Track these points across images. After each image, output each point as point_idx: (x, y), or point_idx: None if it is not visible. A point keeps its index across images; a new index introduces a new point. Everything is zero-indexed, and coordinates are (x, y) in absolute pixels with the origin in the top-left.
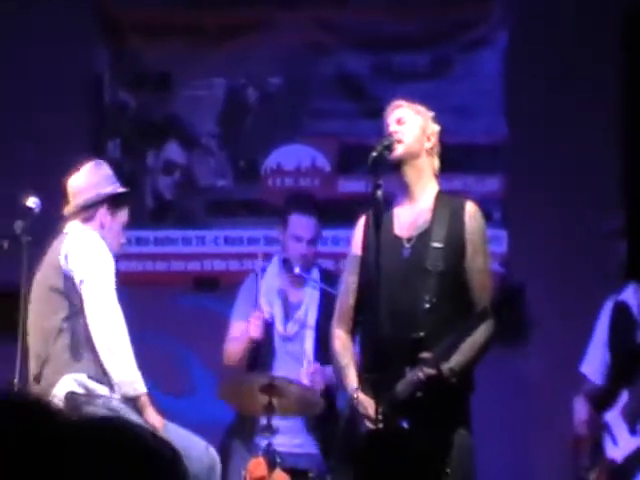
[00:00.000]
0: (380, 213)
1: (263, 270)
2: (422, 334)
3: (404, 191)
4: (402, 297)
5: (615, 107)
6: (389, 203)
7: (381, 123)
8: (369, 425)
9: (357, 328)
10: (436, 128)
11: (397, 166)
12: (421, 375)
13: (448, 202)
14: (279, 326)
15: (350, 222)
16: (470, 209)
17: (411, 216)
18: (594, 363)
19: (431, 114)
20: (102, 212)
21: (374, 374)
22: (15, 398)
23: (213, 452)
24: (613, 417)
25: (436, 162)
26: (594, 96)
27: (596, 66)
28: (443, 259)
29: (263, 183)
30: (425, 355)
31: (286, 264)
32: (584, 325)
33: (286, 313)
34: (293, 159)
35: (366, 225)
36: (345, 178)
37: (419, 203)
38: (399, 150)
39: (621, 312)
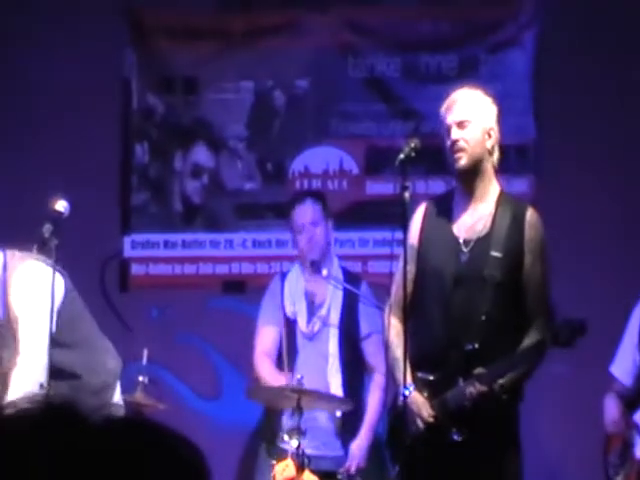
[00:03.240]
0: (407, 215)
1: (285, 274)
2: (477, 345)
3: (466, 193)
4: (457, 303)
5: None
6: (448, 197)
7: (409, 125)
8: (420, 425)
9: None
10: (494, 113)
11: (461, 174)
12: (473, 391)
13: (509, 207)
14: (302, 325)
15: (378, 224)
16: (531, 217)
17: (471, 218)
18: (624, 364)
19: (488, 99)
20: None
21: (427, 376)
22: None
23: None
24: None
25: (496, 156)
26: (626, 96)
27: (628, 64)
28: (501, 269)
29: (291, 186)
30: (479, 371)
31: (313, 266)
32: (615, 326)
33: (310, 312)
34: (321, 161)
35: (424, 215)
36: (373, 180)
37: (480, 206)
38: (463, 161)
39: None
